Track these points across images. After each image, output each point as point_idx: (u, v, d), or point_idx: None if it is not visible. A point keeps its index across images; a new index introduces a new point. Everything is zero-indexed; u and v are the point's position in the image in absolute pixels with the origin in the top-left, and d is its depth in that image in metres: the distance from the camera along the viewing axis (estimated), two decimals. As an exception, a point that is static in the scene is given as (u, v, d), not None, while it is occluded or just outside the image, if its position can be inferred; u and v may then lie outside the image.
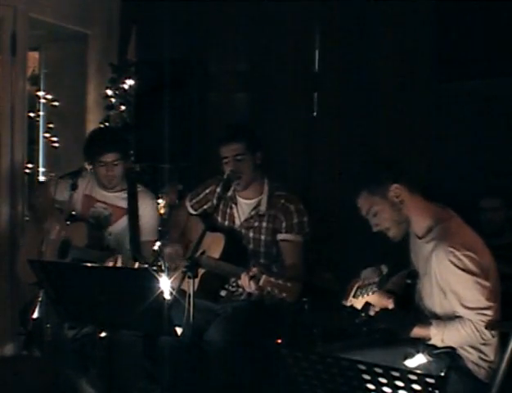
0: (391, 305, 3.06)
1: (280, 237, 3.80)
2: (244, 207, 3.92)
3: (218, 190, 3.99)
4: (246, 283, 3.39)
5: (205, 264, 3.69)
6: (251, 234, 3.87)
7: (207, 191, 4.02)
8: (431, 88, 4.35)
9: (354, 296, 2.97)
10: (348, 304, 2.99)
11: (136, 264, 3.62)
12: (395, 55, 4.48)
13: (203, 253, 3.67)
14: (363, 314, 3.12)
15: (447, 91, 4.31)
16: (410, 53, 4.43)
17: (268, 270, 3.49)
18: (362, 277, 3.01)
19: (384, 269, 3.04)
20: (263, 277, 3.30)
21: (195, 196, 4.10)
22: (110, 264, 3.68)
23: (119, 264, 3.68)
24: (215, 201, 3.99)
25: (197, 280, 3.68)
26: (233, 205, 3.94)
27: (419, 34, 4.40)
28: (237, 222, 3.92)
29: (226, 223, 3.96)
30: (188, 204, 4.14)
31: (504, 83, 4.14)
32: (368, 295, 3.01)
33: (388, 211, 3.01)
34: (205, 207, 4.06)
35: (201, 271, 3.73)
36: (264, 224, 3.84)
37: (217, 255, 3.76)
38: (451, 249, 2.83)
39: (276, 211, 3.82)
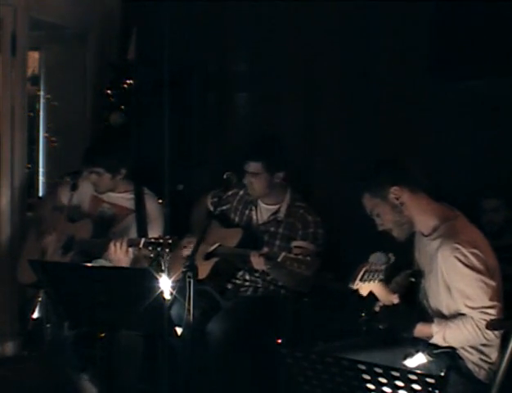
0: (396, 300, 3.06)
1: (294, 243, 3.87)
2: (263, 211, 4.02)
3: (241, 193, 4.09)
4: (257, 261, 3.49)
5: (220, 252, 3.83)
6: (266, 238, 3.94)
7: (229, 193, 4.05)
8: (431, 88, 4.35)
9: (361, 280, 2.95)
10: (355, 287, 2.98)
11: (142, 241, 3.62)
12: (394, 55, 4.48)
13: (218, 247, 3.83)
14: (363, 314, 3.12)
15: (447, 91, 4.31)
16: (410, 53, 4.42)
17: None
18: (370, 261, 2.99)
19: (392, 258, 3.01)
20: (282, 254, 3.39)
21: (217, 195, 4.13)
22: (118, 244, 3.69)
23: (124, 245, 3.69)
24: (235, 203, 4.08)
25: (209, 268, 3.76)
26: (253, 208, 4.04)
27: (418, 34, 4.39)
28: (254, 223, 4.01)
29: (243, 223, 4.04)
30: (209, 200, 4.18)
31: (504, 83, 4.14)
32: (374, 282, 2.99)
33: (389, 213, 3.00)
34: (224, 208, 4.09)
35: (214, 260, 3.79)
36: (281, 230, 3.93)
37: (233, 245, 3.87)
38: (457, 245, 2.83)
39: (294, 219, 3.92)
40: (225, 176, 3.73)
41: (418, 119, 4.41)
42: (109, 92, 5.09)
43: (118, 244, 3.71)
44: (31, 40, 5.05)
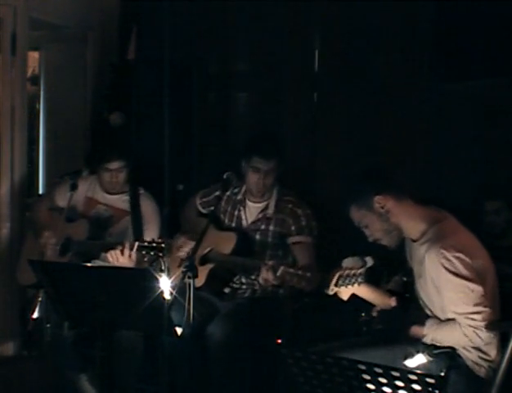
0: (393, 303, 3.06)
1: (291, 239, 3.84)
2: (252, 210, 3.98)
3: (228, 193, 4.04)
4: (267, 276, 3.40)
5: (214, 258, 3.76)
6: (257, 236, 3.91)
7: (217, 193, 4.02)
8: (431, 88, 4.35)
9: (336, 285, 2.94)
10: (330, 292, 2.97)
11: (136, 245, 3.61)
12: (395, 55, 4.48)
13: (210, 250, 3.76)
14: (363, 314, 3.12)
15: (447, 91, 4.31)
16: (410, 53, 4.43)
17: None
18: (344, 266, 2.98)
19: (370, 261, 3.00)
20: (281, 268, 3.32)
21: (206, 196, 4.12)
22: (118, 249, 3.68)
23: (127, 250, 3.67)
24: (223, 204, 4.03)
25: (205, 274, 3.73)
26: (241, 208, 3.99)
27: (419, 34, 4.39)
28: (244, 224, 3.97)
29: (233, 224, 4.00)
30: (198, 201, 4.17)
31: (504, 83, 4.14)
32: (353, 286, 2.97)
33: (376, 223, 3.01)
34: (213, 208, 4.06)
35: (209, 266, 3.77)
36: (271, 227, 3.90)
37: (227, 252, 3.81)
38: (443, 250, 2.83)
39: (283, 215, 3.88)
40: (225, 176, 3.72)
41: (418, 119, 4.41)
42: (109, 92, 5.10)
43: (115, 253, 3.68)
44: (31, 40, 5.05)
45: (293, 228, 3.85)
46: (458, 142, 4.27)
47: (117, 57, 5.31)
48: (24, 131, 5.00)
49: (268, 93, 4.90)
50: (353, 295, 3.06)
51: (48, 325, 3.51)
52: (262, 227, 3.91)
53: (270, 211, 3.91)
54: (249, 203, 4.00)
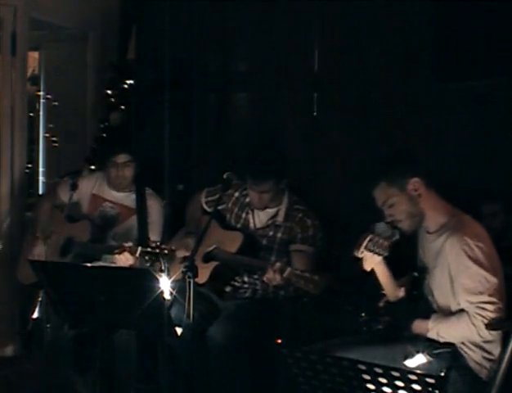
0: (402, 293, 3.09)
1: (294, 247, 3.83)
2: (261, 215, 3.95)
3: (236, 194, 4.02)
4: (272, 276, 3.40)
5: (219, 256, 3.76)
6: (264, 242, 3.89)
7: (221, 194, 3.99)
8: (431, 88, 4.35)
9: (366, 248, 2.99)
10: (360, 255, 3.02)
11: (139, 250, 3.61)
12: (395, 55, 4.48)
13: (215, 248, 3.77)
14: (363, 314, 3.12)
15: (447, 91, 4.31)
16: (410, 53, 4.43)
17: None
18: (376, 230, 3.02)
19: (397, 235, 3.02)
20: (288, 269, 3.33)
21: (212, 195, 4.10)
22: (123, 255, 3.69)
23: (129, 255, 3.67)
24: (230, 204, 4.02)
25: (209, 271, 3.72)
26: (249, 211, 3.97)
27: (419, 34, 4.39)
28: (251, 227, 3.95)
29: (240, 227, 3.97)
30: (203, 200, 4.15)
31: (504, 83, 4.14)
32: (378, 255, 3.01)
33: (404, 204, 3.02)
34: (219, 208, 4.04)
35: (214, 263, 3.76)
36: (279, 235, 3.88)
37: (233, 250, 3.81)
38: (466, 237, 2.87)
39: (292, 224, 3.86)
40: (225, 176, 3.71)
41: (418, 119, 4.41)
42: (109, 92, 5.10)
43: (123, 257, 3.69)
44: (31, 40, 5.06)
45: (299, 236, 3.84)
46: (457, 143, 4.27)
47: (117, 57, 5.31)
48: (24, 131, 5.01)
49: (268, 93, 4.89)
50: (370, 273, 3.08)
51: (48, 325, 3.51)
52: (270, 233, 3.90)
53: (280, 219, 3.89)
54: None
